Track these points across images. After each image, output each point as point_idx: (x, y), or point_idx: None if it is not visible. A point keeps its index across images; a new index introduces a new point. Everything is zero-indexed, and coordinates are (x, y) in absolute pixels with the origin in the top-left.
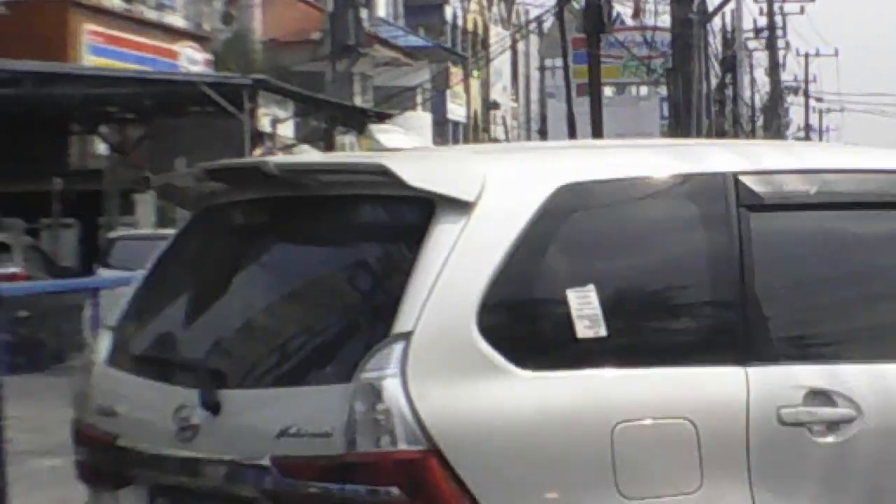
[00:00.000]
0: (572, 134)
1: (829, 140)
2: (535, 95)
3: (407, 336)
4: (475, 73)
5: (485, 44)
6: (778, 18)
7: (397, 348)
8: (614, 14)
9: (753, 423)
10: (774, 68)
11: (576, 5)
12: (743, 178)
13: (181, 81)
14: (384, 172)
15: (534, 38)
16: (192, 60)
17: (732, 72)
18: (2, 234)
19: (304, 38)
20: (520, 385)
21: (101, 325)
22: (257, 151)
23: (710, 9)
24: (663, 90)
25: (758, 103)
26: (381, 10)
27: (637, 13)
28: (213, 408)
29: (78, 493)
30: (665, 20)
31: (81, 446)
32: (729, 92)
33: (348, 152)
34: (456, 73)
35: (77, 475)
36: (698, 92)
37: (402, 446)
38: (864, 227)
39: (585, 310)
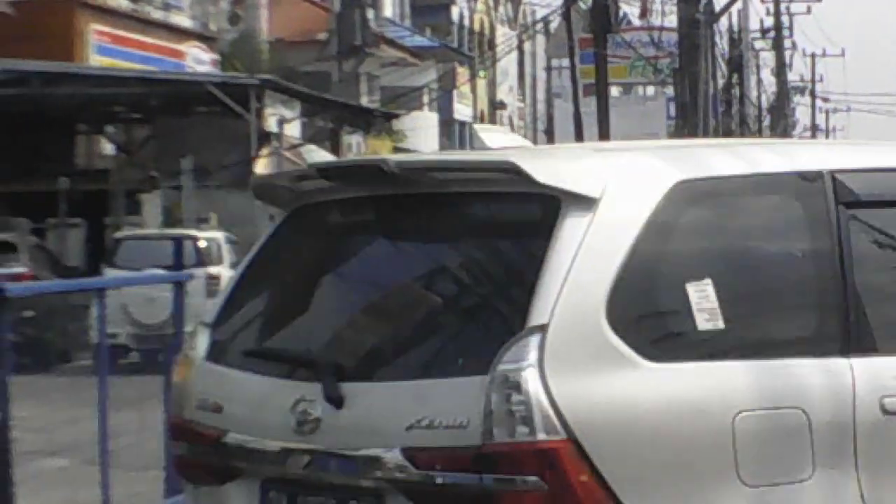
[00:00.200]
0: (579, 134)
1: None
2: (541, 95)
3: (543, 328)
4: (482, 73)
5: (491, 44)
6: (784, 18)
7: (534, 340)
8: (621, 14)
9: (859, 413)
10: (781, 68)
11: (583, 5)
12: (839, 176)
13: (187, 81)
14: (514, 170)
15: (540, 39)
16: (198, 60)
17: (739, 72)
18: (8, 234)
19: (311, 39)
20: (646, 376)
21: (198, 321)
22: (264, 151)
23: (717, 9)
24: (670, 90)
25: (764, 103)
26: (388, 10)
27: (644, 13)
28: (336, 401)
29: (84, 494)
30: (672, 20)
31: (181, 441)
32: (735, 92)
33: (468, 151)
34: (462, 73)
35: (177, 470)
36: (705, 92)
37: (541, 436)
38: None
39: (704, 303)
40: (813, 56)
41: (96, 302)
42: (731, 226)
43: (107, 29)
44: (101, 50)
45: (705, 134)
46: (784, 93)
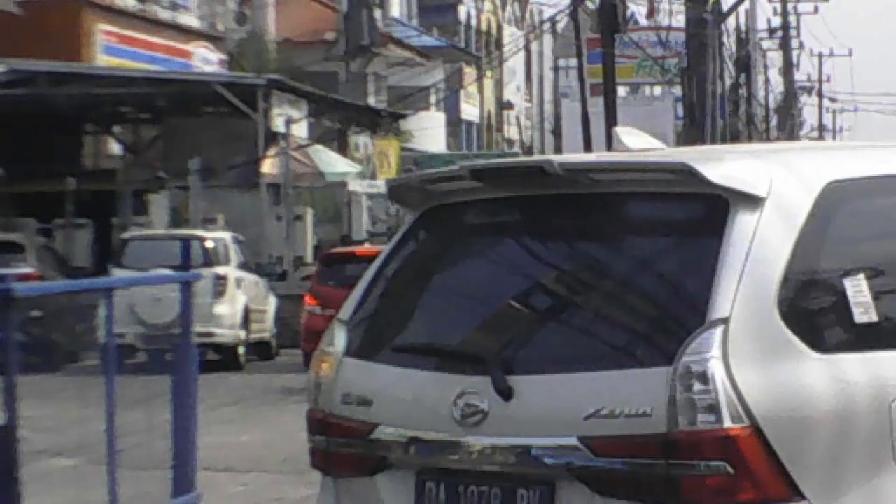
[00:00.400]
0: (587, 134)
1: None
2: (548, 95)
3: (724, 322)
4: (489, 73)
5: (498, 44)
6: (792, 18)
7: (717, 333)
8: (629, 14)
9: None
10: (788, 68)
11: (590, 5)
12: None
13: (195, 81)
14: (688, 171)
15: (547, 38)
16: (205, 60)
17: (746, 72)
18: (15, 234)
19: (318, 38)
20: (814, 366)
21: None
22: (271, 151)
23: (725, 9)
24: (677, 90)
25: (772, 103)
26: (395, 10)
27: (651, 13)
28: (505, 393)
29: (91, 494)
30: (679, 20)
31: (321, 435)
32: (743, 92)
33: (636, 151)
34: (469, 73)
35: (313, 463)
36: (712, 92)
37: (727, 423)
38: None
39: (859, 297)
40: (820, 56)
41: (104, 302)
42: (880, 223)
43: (114, 29)
44: (108, 50)
45: (713, 134)
46: (791, 93)
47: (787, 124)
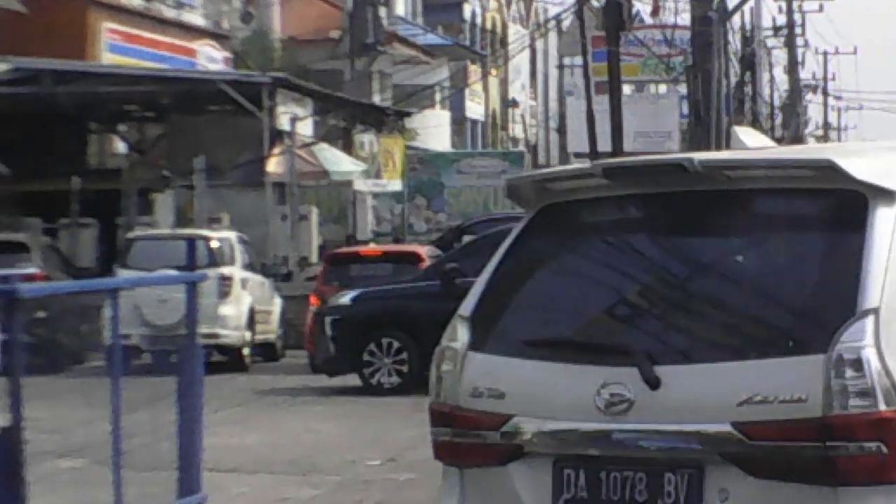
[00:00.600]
0: (592, 132)
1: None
2: (553, 93)
3: (875, 311)
4: (494, 71)
5: (503, 42)
6: (797, 16)
7: (869, 322)
8: (634, 12)
9: None
10: (793, 66)
11: (595, 3)
12: None
13: (200, 80)
14: (832, 168)
15: (552, 37)
16: (210, 59)
17: (751, 70)
18: (20, 234)
19: (324, 37)
20: None
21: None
22: (276, 150)
23: (730, 7)
24: (683, 88)
25: (777, 101)
26: (400, 8)
27: (656, 11)
28: (653, 383)
29: (96, 495)
30: (685, 18)
31: (447, 427)
32: (748, 90)
33: (777, 148)
34: (474, 71)
35: (437, 455)
36: (717, 90)
37: (882, 407)
38: None
39: None
40: (825, 54)
41: (109, 303)
42: None
43: (119, 27)
44: (113, 48)
45: (718, 133)
46: (796, 91)
47: (791, 122)
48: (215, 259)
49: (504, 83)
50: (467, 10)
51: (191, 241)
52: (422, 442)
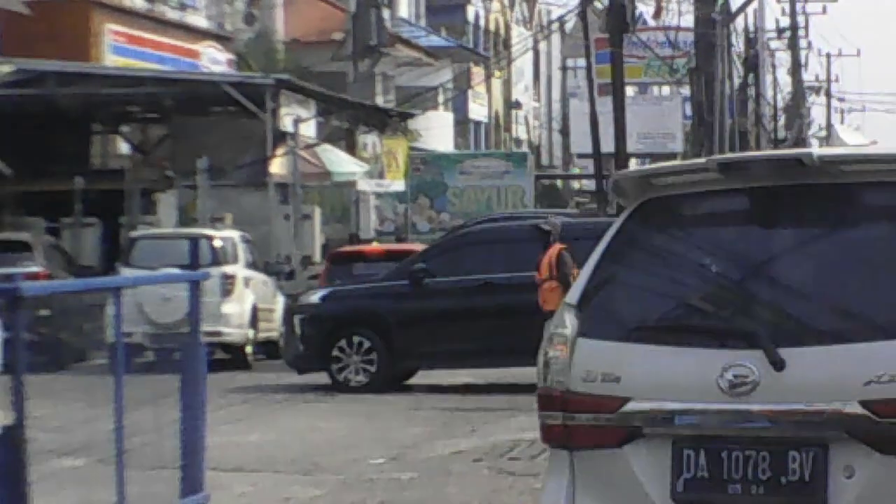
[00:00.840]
0: (595, 134)
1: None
2: (556, 95)
3: None
4: (497, 73)
5: (507, 44)
6: (800, 18)
7: None
8: (637, 14)
9: None
10: (796, 68)
11: (599, 5)
12: None
13: (203, 81)
14: None
15: (556, 38)
16: (214, 60)
17: (755, 71)
18: (23, 234)
19: (327, 38)
20: None
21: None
22: (279, 151)
23: (733, 9)
24: (686, 90)
25: (780, 103)
26: (403, 10)
27: (658, 13)
28: (779, 364)
29: (99, 494)
30: (688, 20)
31: (557, 412)
32: (751, 91)
33: (853, 146)
34: (478, 73)
35: (545, 438)
36: (721, 92)
37: None
38: None
39: None
40: (828, 56)
41: (112, 301)
42: None
43: (122, 29)
44: (116, 50)
45: (721, 133)
46: (799, 92)
47: (795, 124)
48: (218, 257)
49: (507, 85)
50: (471, 12)
51: (194, 241)
52: (424, 441)
